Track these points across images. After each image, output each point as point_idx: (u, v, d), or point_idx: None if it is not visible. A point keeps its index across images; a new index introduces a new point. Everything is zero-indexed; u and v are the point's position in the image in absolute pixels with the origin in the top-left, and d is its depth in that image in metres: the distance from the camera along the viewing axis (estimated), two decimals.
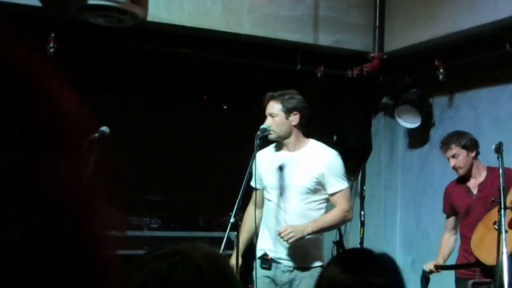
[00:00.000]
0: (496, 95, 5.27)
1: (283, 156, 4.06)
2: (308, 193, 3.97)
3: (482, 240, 4.27)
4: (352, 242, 6.35)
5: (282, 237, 3.82)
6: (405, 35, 5.43)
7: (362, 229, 6.40)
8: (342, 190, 4.02)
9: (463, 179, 4.65)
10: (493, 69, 5.27)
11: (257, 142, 3.93)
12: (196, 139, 6.35)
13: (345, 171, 4.13)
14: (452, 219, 4.75)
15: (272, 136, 4.01)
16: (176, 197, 6.13)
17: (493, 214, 4.10)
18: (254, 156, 3.93)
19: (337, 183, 4.00)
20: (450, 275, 4.66)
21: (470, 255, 4.45)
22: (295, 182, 3.98)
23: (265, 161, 4.09)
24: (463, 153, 4.52)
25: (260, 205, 4.20)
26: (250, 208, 4.24)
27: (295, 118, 4.02)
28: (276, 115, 4.00)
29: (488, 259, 4.09)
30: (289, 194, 3.99)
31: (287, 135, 4.04)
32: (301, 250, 3.95)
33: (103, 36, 5.00)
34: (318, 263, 3.97)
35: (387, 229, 6.32)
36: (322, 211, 4.04)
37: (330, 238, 5.81)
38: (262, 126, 4.00)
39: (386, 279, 1.76)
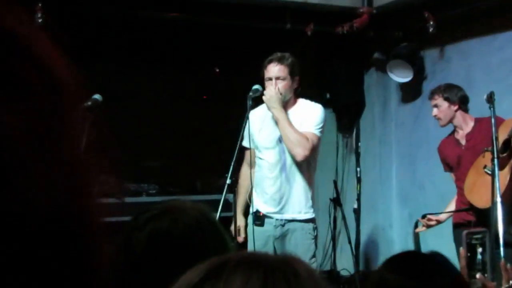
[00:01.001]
0: (486, 45, 5.27)
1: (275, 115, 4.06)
2: None
3: (474, 184, 4.32)
4: (349, 198, 6.42)
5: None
6: None
7: (358, 186, 6.46)
8: (310, 133, 4.02)
9: (452, 134, 4.71)
10: (482, 20, 5.26)
11: (249, 102, 4.00)
12: (190, 103, 6.35)
13: (323, 125, 4.14)
14: (453, 177, 4.80)
15: (279, 99, 3.98)
16: (173, 162, 6.15)
17: (482, 159, 4.16)
18: (247, 117, 3.99)
19: (309, 126, 4.04)
20: (448, 225, 4.72)
21: (467, 206, 4.51)
22: None
23: (257, 121, 4.14)
24: (444, 104, 4.57)
25: (253, 164, 4.26)
26: (245, 169, 4.32)
27: (296, 82, 4.12)
28: (284, 79, 4.04)
29: (481, 202, 4.15)
30: (280, 151, 4.09)
31: (289, 99, 4.11)
32: (292, 204, 4.10)
33: (90, 4, 4.96)
34: (309, 216, 4.13)
35: (383, 184, 6.38)
36: (312, 172, 4.18)
37: (327, 195, 5.88)
38: (254, 87, 4.05)
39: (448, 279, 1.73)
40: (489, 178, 3.93)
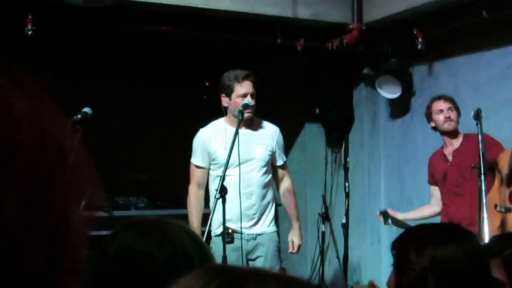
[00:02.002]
0: (474, 62, 5.33)
1: (241, 132, 4.09)
2: (266, 165, 4.27)
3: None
4: (337, 213, 6.42)
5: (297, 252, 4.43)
6: (383, 5, 5.44)
7: (347, 200, 6.45)
8: (285, 162, 4.47)
9: (441, 149, 4.76)
10: (471, 37, 5.32)
11: (239, 117, 4.02)
12: (181, 117, 6.35)
13: None
14: (434, 189, 4.86)
15: (250, 115, 4.15)
16: (162, 176, 6.14)
17: (491, 198, 4.16)
18: (237, 132, 3.97)
19: (283, 155, 4.43)
20: None
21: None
22: (256, 156, 4.22)
23: (218, 139, 4.23)
24: (455, 112, 4.64)
25: (204, 184, 4.33)
26: (195, 189, 4.32)
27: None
28: (254, 96, 4.15)
29: None
30: (251, 168, 4.21)
31: None
32: (262, 219, 4.27)
33: (81, 17, 4.96)
34: (274, 228, 4.37)
35: (371, 198, 6.40)
36: (272, 186, 4.40)
37: (315, 210, 5.88)
38: (244, 102, 4.08)
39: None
40: (503, 216, 4.00)
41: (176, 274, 1.37)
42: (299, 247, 4.39)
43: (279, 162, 4.37)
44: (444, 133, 4.70)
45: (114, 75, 6.04)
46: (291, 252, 4.40)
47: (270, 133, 4.33)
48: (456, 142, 4.67)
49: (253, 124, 4.28)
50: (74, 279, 0.55)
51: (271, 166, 4.35)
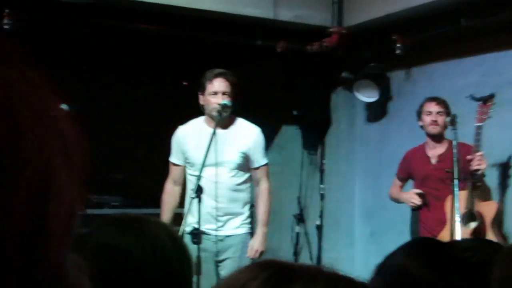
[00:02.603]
0: (451, 68, 5.38)
1: (216, 133, 4.08)
2: (237, 168, 4.20)
3: None
4: (312, 215, 6.44)
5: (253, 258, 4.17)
6: (364, 10, 5.48)
7: (322, 202, 6.49)
8: (265, 165, 4.33)
9: (423, 148, 4.78)
10: (448, 44, 5.38)
11: (218, 117, 4.01)
12: (157, 116, 6.33)
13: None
14: (400, 184, 4.91)
15: (227, 114, 4.10)
16: (136, 175, 6.11)
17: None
18: (214, 132, 3.99)
19: (261, 159, 4.31)
20: None
21: (426, 228, 4.61)
22: (226, 158, 4.16)
23: (192, 138, 4.20)
24: (444, 116, 4.64)
25: (180, 182, 4.32)
26: (170, 186, 4.35)
27: (236, 97, 4.17)
28: (228, 94, 4.10)
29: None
30: (221, 170, 4.16)
31: (228, 116, 4.17)
32: (231, 221, 4.22)
33: (61, 12, 4.91)
34: (246, 230, 4.29)
35: (346, 201, 6.43)
36: (248, 188, 4.32)
37: (290, 211, 5.90)
38: (222, 102, 4.06)
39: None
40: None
41: (154, 272, 1.37)
42: (261, 253, 4.23)
43: (254, 165, 4.30)
44: (429, 135, 4.72)
45: (92, 73, 6.00)
46: (249, 257, 4.19)
47: (247, 135, 4.25)
48: (440, 147, 4.69)
49: (231, 125, 4.23)
50: (63, 243, 0.54)
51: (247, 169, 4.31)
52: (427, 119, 4.63)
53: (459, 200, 4.22)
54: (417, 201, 4.61)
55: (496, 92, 4.79)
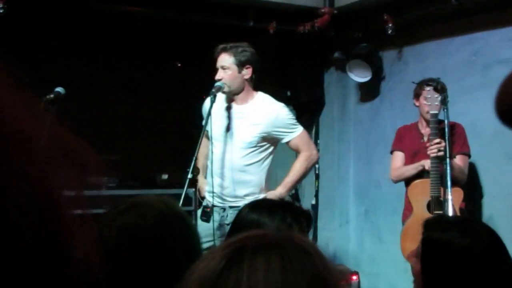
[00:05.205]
0: (442, 48, 5.41)
1: (231, 109, 4.04)
2: (250, 147, 4.03)
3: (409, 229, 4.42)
4: (307, 194, 6.51)
5: None
6: None
7: (317, 182, 6.55)
8: (297, 136, 4.12)
9: (416, 126, 4.80)
10: (439, 23, 5.40)
11: (212, 99, 3.92)
12: (152, 98, 6.36)
13: (295, 118, 4.22)
14: (399, 155, 4.85)
15: (224, 90, 3.99)
16: (133, 156, 6.15)
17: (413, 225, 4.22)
18: (209, 114, 3.91)
19: (289, 131, 4.09)
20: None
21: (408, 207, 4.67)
22: (238, 138, 4.03)
23: (214, 110, 3.98)
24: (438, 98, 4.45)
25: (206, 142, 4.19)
26: (204, 145, 4.13)
27: (247, 72, 4.02)
28: (228, 68, 3.97)
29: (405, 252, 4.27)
30: (229, 148, 4.04)
31: (239, 90, 4.04)
32: (239, 196, 4.05)
33: None
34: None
35: (340, 181, 6.49)
36: (261, 171, 4.11)
37: None
38: (216, 84, 3.98)
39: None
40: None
41: (172, 249, 1.46)
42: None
43: (285, 140, 4.10)
44: (424, 117, 4.70)
45: (84, 55, 6.01)
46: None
47: (266, 112, 4.02)
48: None
49: (249, 101, 4.07)
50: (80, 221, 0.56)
51: (273, 146, 4.10)
52: (425, 106, 4.50)
53: (424, 187, 4.29)
54: (427, 165, 4.49)
55: (488, 70, 4.84)
